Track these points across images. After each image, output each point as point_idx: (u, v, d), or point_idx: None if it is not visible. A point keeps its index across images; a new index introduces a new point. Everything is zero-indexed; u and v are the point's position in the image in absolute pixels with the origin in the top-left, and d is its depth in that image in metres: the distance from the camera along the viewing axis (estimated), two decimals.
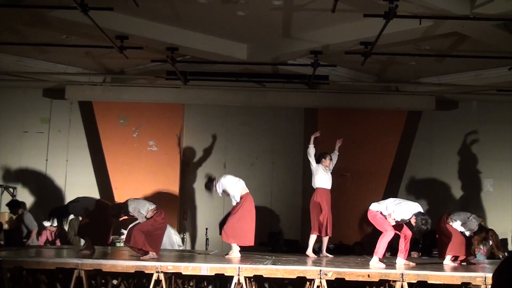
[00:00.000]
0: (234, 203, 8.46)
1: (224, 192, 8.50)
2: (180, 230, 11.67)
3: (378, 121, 11.83)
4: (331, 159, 9.36)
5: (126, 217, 7.94)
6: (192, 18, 8.94)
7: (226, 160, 12.17)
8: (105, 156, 11.80)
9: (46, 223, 10.56)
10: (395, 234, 7.89)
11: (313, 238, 9.24)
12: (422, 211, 7.64)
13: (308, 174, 12.10)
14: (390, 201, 7.97)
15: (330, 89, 11.63)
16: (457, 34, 8.74)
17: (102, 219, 8.44)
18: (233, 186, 8.44)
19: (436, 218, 8.68)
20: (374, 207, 7.99)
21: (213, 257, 8.84)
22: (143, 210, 7.82)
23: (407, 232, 7.89)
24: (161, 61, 10.07)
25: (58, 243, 10.80)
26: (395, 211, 7.75)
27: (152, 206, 7.92)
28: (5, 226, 11.30)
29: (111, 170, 11.74)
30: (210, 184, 8.56)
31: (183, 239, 11.37)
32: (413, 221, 7.57)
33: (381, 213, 7.91)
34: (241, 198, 8.42)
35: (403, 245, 7.93)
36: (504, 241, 11.21)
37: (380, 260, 7.70)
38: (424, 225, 7.45)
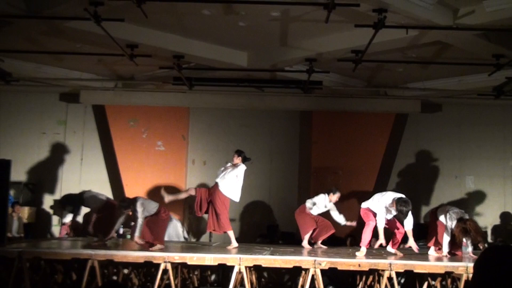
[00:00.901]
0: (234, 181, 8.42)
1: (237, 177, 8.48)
2: (186, 224, 11.67)
3: (368, 123, 11.83)
4: (337, 198, 9.34)
5: (130, 212, 7.90)
6: (197, 28, 8.93)
7: (228, 158, 12.12)
8: (117, 155, 11.79)
9: (66, 219, 10.51)
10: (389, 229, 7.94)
11: (307, 234, 9.23)
12: (401, 196, 7.71)
13: (303, 172, 12.13)
14: (376, 195, 8.04)
15: (323, 94, 11.62)
16: (441, 43, 8.74)
17: (109, 216, 8.50)
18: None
19: (421, 213, 8.71)
20: (364, 205, 8.06)
21: (216, 248, 8.84)
22: (149, 207, 7.85)
23: (400, 227, 7.95)
24: (168, 68, 10.06)
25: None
26: (379, 200, 7.82)
27: (157, 205, 8.03)
28: (25, 220, 11.30)
29: (122, 168, 11.73)
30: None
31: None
32: (394, 206, 7.64)
33: (368, 208, 7.97)
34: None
35: (395, 239, 8.00)
36: (484, 234, 11.20)
37: (368, 247, 7.76)
38: (404, 206, 7.52)
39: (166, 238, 10.48)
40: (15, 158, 12.01)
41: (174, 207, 11.69)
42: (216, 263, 7.04)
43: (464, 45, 8.71)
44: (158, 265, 6.90)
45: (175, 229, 10.89)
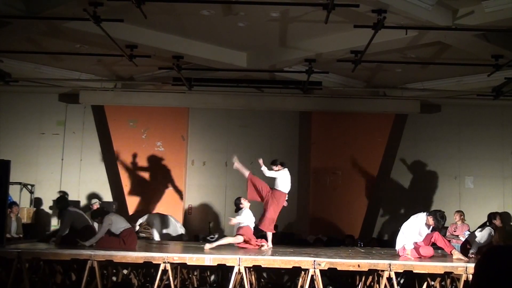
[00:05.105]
0: None
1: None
2: (185, 224, 11.66)
3: (367, 123, 11.83)
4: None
5: None
6: (196, 29, 8.93)
7: (227, 159, 12.13)
8: (116, 155, 11.78)
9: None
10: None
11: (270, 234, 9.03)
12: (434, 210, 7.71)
13: (302, 172, 12.12)
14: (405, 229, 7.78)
15: (323, 94, 11.62)
16: (440, 43, 8.74)
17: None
18: None
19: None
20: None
21: (215, 248, 8.81)
22: (116, 225, 7.82)
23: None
24: (167, 68, 10.07)
25: None
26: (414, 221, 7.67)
27: (125, 226, 7.89)
28: (24, 220, 11.27)
29: (121, 169, 11.72)
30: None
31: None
32: (431, 220, 7.49)
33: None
34: None
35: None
36: None
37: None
38: (441, 218, 7.44)
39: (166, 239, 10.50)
40: (14, 158, 11.97)
41: (173, 207, 11.69)
42: (215, 264, 7.02)
43: (463, 46, 8.72)
44: (158, 265, 6.88)
45: (174, 228, 10.91)
